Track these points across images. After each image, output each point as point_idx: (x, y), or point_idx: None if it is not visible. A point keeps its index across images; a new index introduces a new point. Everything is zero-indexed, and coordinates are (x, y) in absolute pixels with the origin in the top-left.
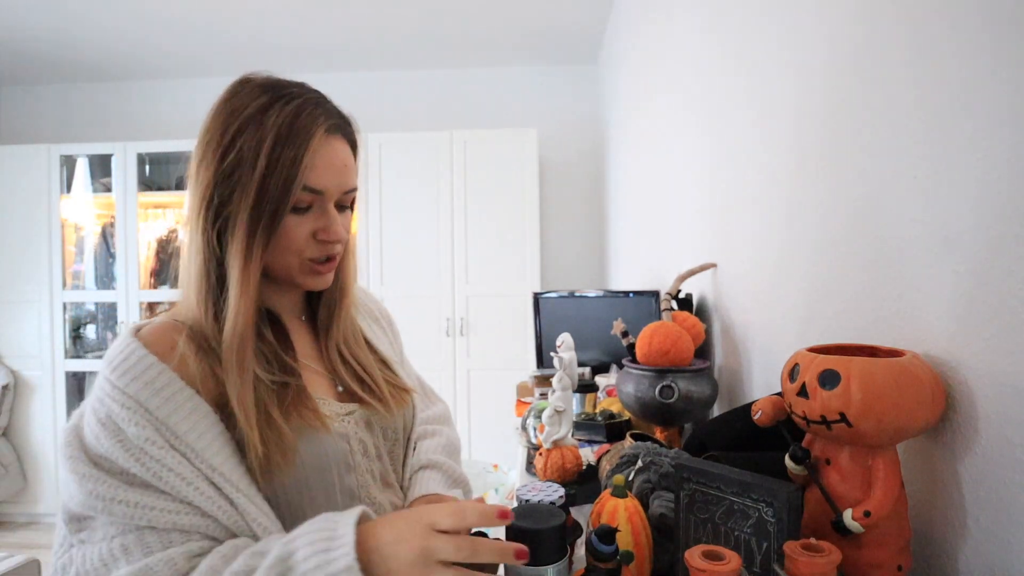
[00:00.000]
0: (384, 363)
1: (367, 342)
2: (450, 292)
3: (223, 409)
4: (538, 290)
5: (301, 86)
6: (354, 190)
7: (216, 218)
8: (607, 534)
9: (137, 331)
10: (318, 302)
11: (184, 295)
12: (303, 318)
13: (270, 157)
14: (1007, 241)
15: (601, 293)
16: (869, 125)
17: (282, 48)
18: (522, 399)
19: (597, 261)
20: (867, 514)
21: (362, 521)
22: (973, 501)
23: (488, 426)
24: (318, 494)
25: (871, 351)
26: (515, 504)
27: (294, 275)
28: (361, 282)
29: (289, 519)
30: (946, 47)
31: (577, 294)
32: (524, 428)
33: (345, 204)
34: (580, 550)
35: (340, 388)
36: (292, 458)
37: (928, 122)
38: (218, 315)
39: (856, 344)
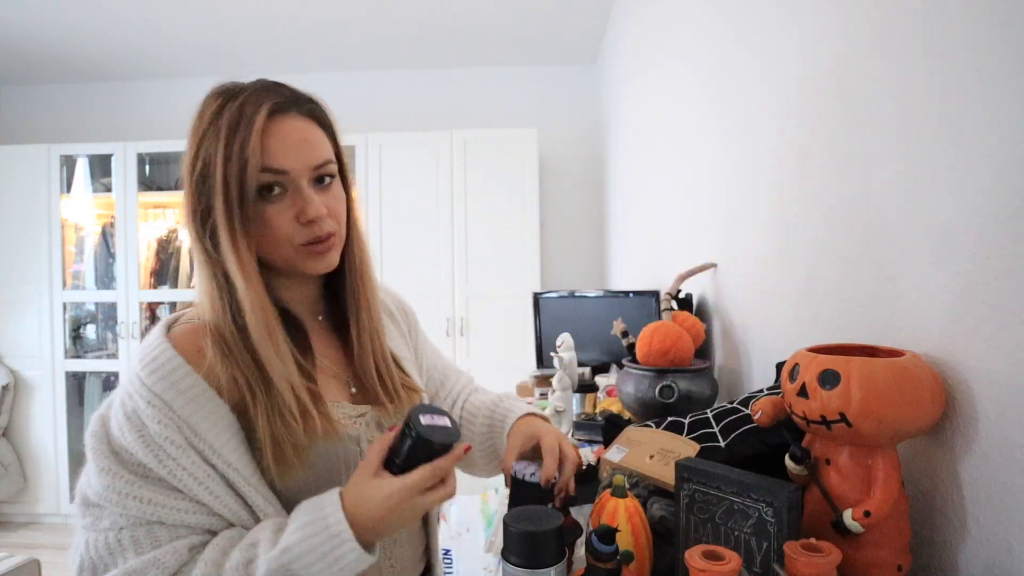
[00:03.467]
0: (396, 361)
1: None
2: (450, 292)
3: (243, 414)
4: (538, 290)
5: (255, 82)
6: (328, 163)
7: (204, 224)
8: (607, 534)
9: (168, 329)
10: (337, 297)
11: (200, 298)
12: (320, 317)
13: (226, 151)
14: (1006, 241)
15: (601, 293)
16: (870, 125)
17: (282, 48)
18: (522, 399)
19: (597, 261)
20: (867, 514)
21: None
22: (973, 501)
23: None
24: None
25: (871, 351)
26: (514, 473)
27: (296, 264)
28: None
29: None
30: (950, 47)
31: (577, 294)
32: None
33: (324, 178)
34: (580, 550)
35: (354, 390)
36: (304, 459)
37: (929, 123)
38: (236, 314)
39: (856, 344)
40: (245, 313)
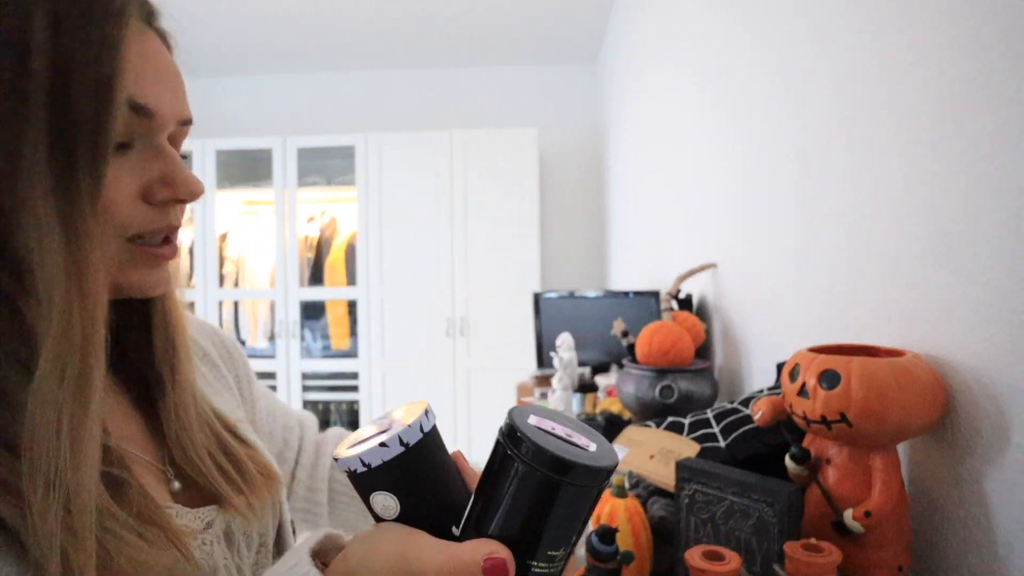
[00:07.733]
0: (232, 431)
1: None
2: (450, 292)
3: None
4: (538, 290)
5: None
6: (190, 123)
7: None
8: (607, 534)
9: None
10: (121, 343)
11: None
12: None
13: (57, 44)
14: (1007, 241)
15: (601, 293)
16: (871, 125)
17: (282, 48)
18: (522, 399)
19: (597, 261)
20: (868, 514)
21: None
22: (973, 501)
23: (488, 426)
24: None
25: (871, 351)
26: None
27: (113, 274)
28: (360, 285)
29: None
30: (950, 48)
31: (577, 294)
32: None
33: (178, 145)
34: (580, 550)
35: (176, 484)
36: None
37: (929, 123)
38: (24, 353)
39: (856, 344)
40: (47, 352)
